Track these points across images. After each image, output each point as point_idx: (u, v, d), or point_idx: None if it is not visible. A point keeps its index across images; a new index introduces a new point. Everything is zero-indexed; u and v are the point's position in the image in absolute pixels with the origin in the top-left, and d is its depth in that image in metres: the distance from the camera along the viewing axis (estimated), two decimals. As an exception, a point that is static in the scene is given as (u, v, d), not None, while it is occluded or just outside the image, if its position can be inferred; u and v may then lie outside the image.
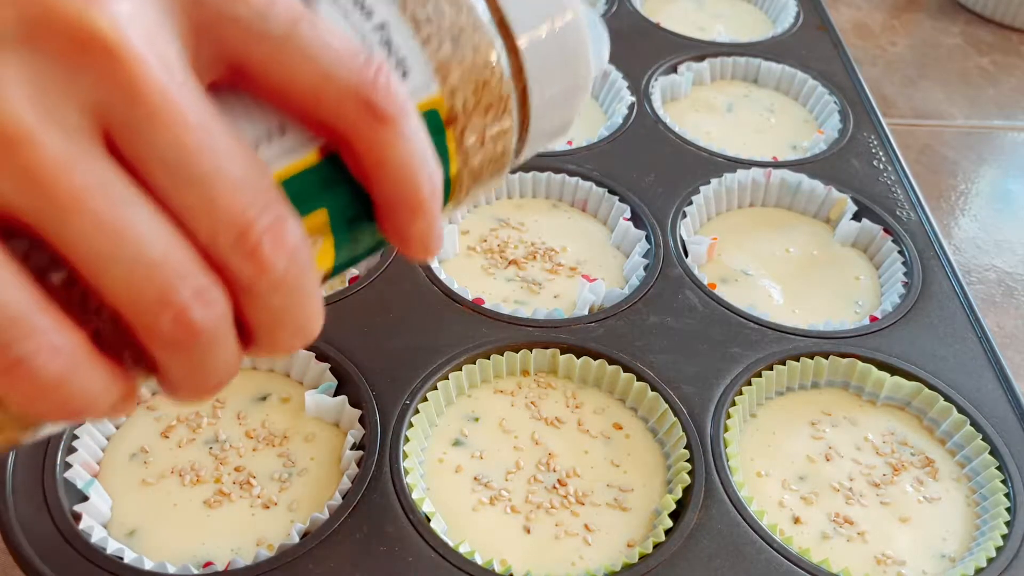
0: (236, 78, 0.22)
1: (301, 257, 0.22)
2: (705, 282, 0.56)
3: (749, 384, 0.50)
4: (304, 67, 0.22)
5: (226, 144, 0.21)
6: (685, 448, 0.47)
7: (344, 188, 0.24)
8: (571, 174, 0.62)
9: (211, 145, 0.20)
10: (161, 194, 0.20)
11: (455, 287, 0.54)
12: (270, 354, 0.24)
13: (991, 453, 0.48)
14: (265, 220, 0.21)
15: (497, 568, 0.42)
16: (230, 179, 0.21)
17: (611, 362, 0.50)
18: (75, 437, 0.44)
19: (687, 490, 0.45)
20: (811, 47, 0.78)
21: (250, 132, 0.22)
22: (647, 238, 0.59)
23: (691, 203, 0.61)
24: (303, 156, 0.23)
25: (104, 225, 0.20)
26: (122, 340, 0.22)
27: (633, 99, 0.69)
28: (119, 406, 0.22)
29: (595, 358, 0.51)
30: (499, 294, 0.55)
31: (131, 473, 0.45)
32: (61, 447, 0.44)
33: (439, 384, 0.48)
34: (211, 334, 0.21)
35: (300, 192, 0.23)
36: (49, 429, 0.24)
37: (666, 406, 0.48)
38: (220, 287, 0.21)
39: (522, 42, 0.26)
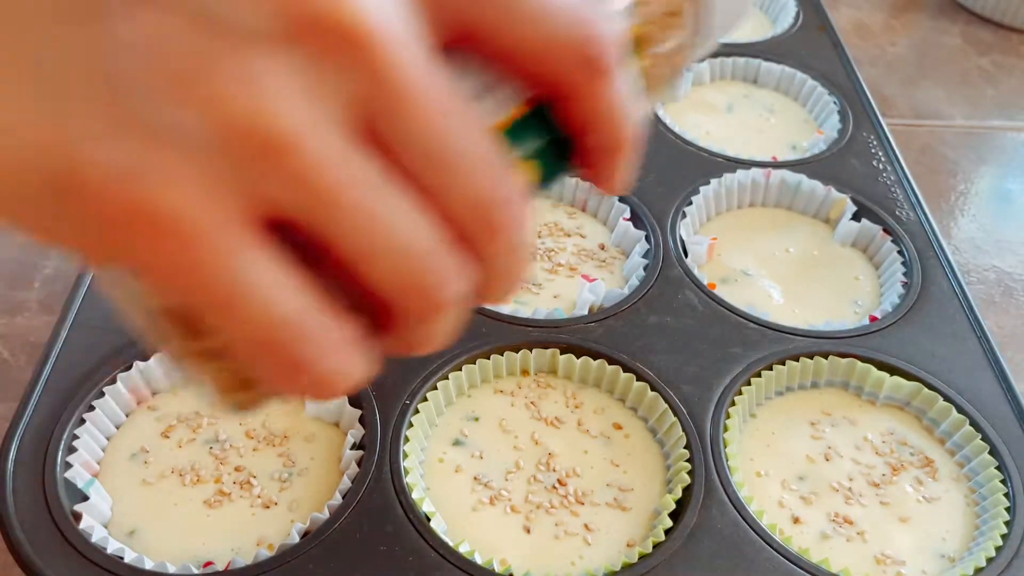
0: (459, 39, 0.23)
1: (526, 218, 0.23)
2: (705, 282, 0.56)
3: (749, 384, 0.50)
4: (532, 27, 0.23)
5: (470, 125, 0.22)
6: (685, 448, 0.47)
7: (548, 137, 0.26)
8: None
9: (459, 129, 0.21)
10: (415, 178, 0.21)
11: (455, 287, 0.54)
12: (482, 303, 0.26)
13: (991, 453, 0.48)
14: (504, 195, 0.22)
15: (497, 568, 0.42)
16: (476, 159, 0.22)
17: (611, 362, 0.51)
18: (75, 437, 0.44)
19: (687, 490, 0.45)
20: (811, 47, 0.78)
21: (468, 89, 0.24)
22: (647, 238, 0.59)
23: (691, 203, 0.62)
24: (514, 109, 0.25)
25: (375, 220, 0.21)
26: (366, 319, 0.24)
27: (633, 99, 0.69)
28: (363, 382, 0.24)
29: (595, 358, 0.51)
30: (499, 294, 0.55)
31: (131, 473, 0.45)
32: (61, 447, 0.44)
33: (439, 384, 0.48)
34: (456, 308, 0.23)
35: (510, 143, 0.24)
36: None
37: (666, 406, 0.49)
38: (467, 264, 0.23)
39: None
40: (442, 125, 0.21)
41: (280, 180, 0.20)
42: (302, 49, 0.19)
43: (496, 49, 0.23)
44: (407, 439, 0.46)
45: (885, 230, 0.61)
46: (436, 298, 0.23)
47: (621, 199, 0.61)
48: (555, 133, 0.26)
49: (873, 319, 0.56)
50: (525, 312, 0.53)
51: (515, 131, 0.25)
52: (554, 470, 0.47)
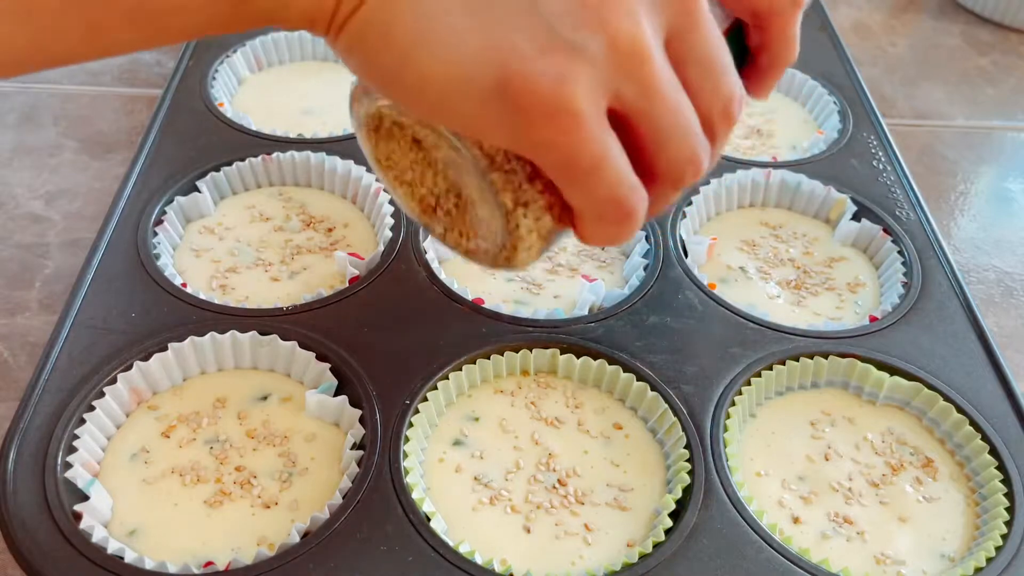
0: None
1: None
2: (705, 282, 0.56)
3: (749, 384, 0.50)
4: None
5: (721, 40, 0.32)
6: (685, 448, 0.47)
7: (736, 55, 0.34)
8: (571, 174, 0.62)
9: (718, 42, 0.31)
10: (689, 79, 0.31)
11: (455, 287, 0.54)
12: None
13: (990, 453, 0.48)
14: (739, 92, 0.32)
15: (497, 568, 0.42)
16: (726, 66, 0.32)
17: (611, 362, 0.51)
18: (75, 437, 0.45)
19: (687, 490, 0.45)
20: (811, 47, 0.78)
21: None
22: (647, 238, 0.59)
23: (691, 203, 0.62)
24: (725, 26, 0.35)
25: (678, 111, 0.30)
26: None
27: (633, 99, 0.69)
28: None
29: (595, 358, 0.51)
30: (499, 294, 0.55)
31: (132, 473, 0.45)
32: (61, 447, 0.44)
33: (439, 384, 0.48)
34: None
35: None
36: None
37: (666, 406, 0.49)
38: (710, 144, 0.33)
39: None
40: (713, 40, 0.31)
41: (634, 80, 0.29)
42: None
43: None
44: (407, 439, 0.46)
45: (885, 230, 0.61)
46: (700, 169, 0.32)
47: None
48: (743, 49, 0.37)
49: (873, 319, 0.56)
50: (525, 312, 0.53)
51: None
52: (554, 470, 0.47)
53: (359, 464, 0.45)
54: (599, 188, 0.30)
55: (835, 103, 0.72)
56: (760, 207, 0.65)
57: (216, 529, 0.43)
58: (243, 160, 0.61)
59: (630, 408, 0.50)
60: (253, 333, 0.49)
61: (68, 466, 0.43)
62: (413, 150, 0.35)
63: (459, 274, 0.56)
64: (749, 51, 0.37)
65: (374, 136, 0.35)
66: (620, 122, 0.30)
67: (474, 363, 0.50)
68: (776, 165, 0.66)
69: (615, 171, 0.30)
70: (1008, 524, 0.45)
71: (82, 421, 0.45)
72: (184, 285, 0.53)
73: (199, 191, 0.59)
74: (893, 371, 0.52)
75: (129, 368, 0.47)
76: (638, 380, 0.50)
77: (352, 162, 0.61)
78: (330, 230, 0.59)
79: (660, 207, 0.34)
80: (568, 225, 0.34)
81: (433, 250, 0.57)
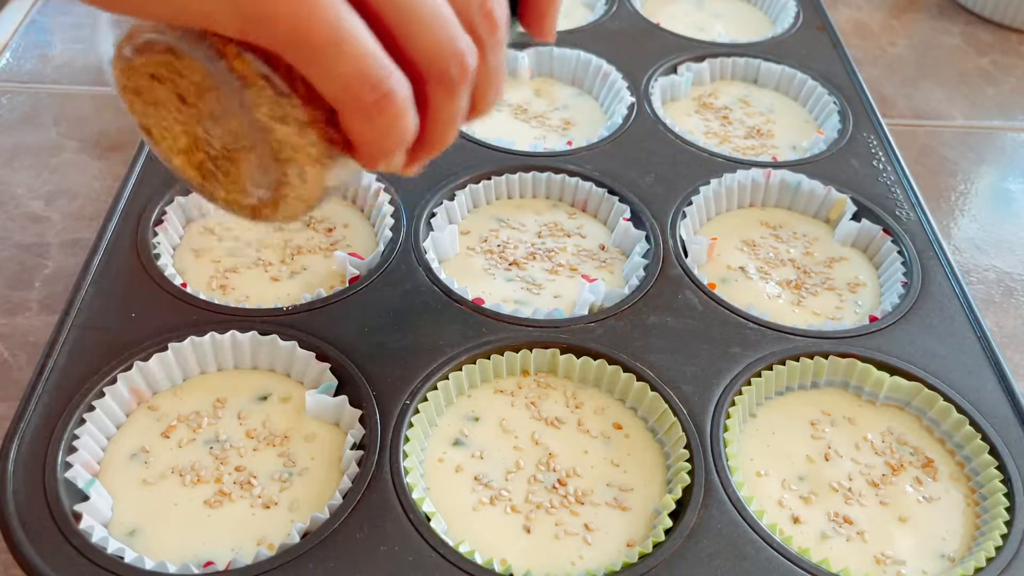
0: None
1: (506, 24, 0.34)
2: (705, 282, 0.56)
3: (749, 384, 0.50)
4: None
5: None
6: (685, 448, 0.47)
7: None
8: (571, 174, 0.62)
9: None
10: None
11: (455, 287, 0.54)
12: (476, 115, 0.36)
13: (990, 453, 0.48)
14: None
15: (497, 568, 0.42)
16: None
17: (611, 362, 0.51)
18: (75, 437, 0.45)
19: (687, 490, 0.45)
20: (811, 47, 0.78)
21: None
22: (647, 238, 0.59)
23: (691, 203, 0.62)
24: None
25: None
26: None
27: (633, 99, 0.69)
28: (402, 155, 0.34)
29: (595, 358, 0.51)
30: (499, 294, 0.55)
31: (132, 473, 0.45)
32: (61, 447, 0.44)
33: (439, 384, 0.48)
34: (472, 77, 0.33)
35: None
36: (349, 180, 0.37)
37: (666, 406, 0.49)
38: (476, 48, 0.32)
39: None
40: None
41: None
42: None
43: None
44: (407, 439, 0.46)
45: (885, 230, 0.61)
46: (463, 62, 0.31)
47: (621, 199, 0.61)
48: None
49: (873, 319, 0.56)
50: (525, 312, 0.53)
51: None
52: (554, 470, 0.47)
53: (359, 464, 0.45)
54: (341, 62, 0.29)
55: (835, 103, 0.72)
56: (760, 207, 0.65)
57: (216, 529, 0.43)
58: (243, 160, 0.60)
59: (630, 408, 0.50)
60: (253, 333, 0.49)
61: (68, 466, 0.43)
62: (179, 109, 0.35)
63: (459, 274, 0.56)
64: None
65: (138, 101, 0.35)
66: (366, 11, 0.30)
67: (474, 363, 0.50)
68: (776, 165, 0.66)
69: (357, 43, 0.29)
70: (1008, 524, 0.45)
71: (82, 421, 0.45)
72: (184, 285, 0.53)
73: (199, 191, 0.59)
74: (893, 371, 0.52)
75: (129, 368, 0.47)
76: (638, 380, 0.50)
77: (352, 162, 0.61)
78: (330, 230, 0.59)
79: (444, 119, 0.33)
80: (340, 149, 0.33)
81: (433, 250, 0.57)
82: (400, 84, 0.31)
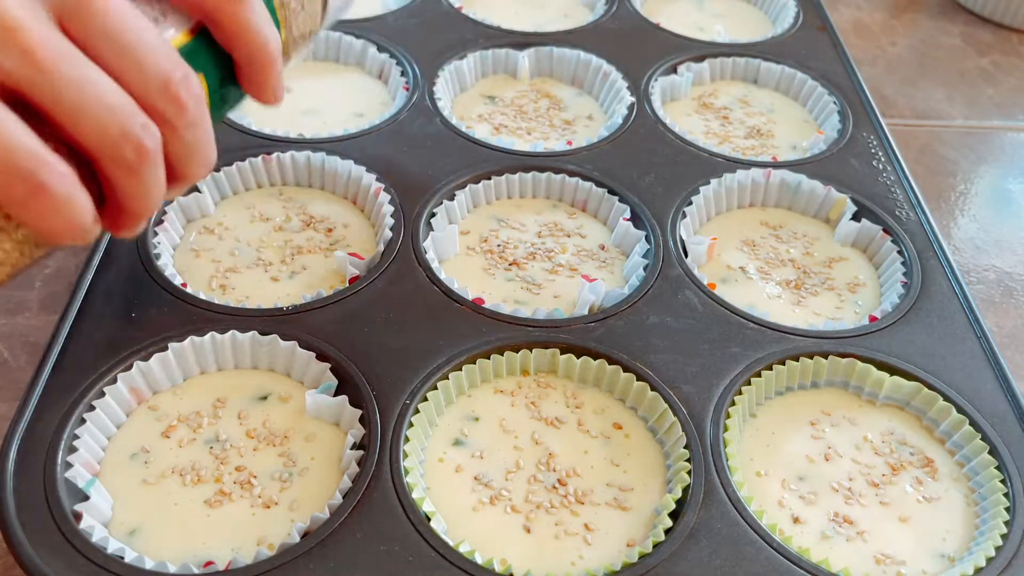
0: None
1: (203, 102, 0.33)
2: (705, 282, 0.56)
3: (749, 384, 0.50)
4: None
5: (142, 23, 0.32)
6: (685, 448, 0.47)
7: (213, 56, 0.35)
8: (571, 174, 0.62)
9: (128, 21, 0.31)
10: (104, 60, 0.31)
11: (455, 287, 0.54)
12: (185, 184, 0.35)
13: (990, 453, 0.48)
14: (178, 74, 0.32)
15: (497, 568, 0.42)
16: (150, 46, 0.32)
17: (611, 362, 0.51)
18: (75, 437, 0.44)
19: (687, 490, 0.45)
20: (811, 47, 0.78)
21: (147, 14, 0.33)
22: (647, 238, 0.59)
23: (691, 203, 0.62)
24: (182, 33, 0.35)
25: (85, 84, 0.30)
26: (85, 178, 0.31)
27: (633, 99, 0.69)
28: (92, 229, 0.32)
29: (595, 358, 0.51)
30: (499, 294, 0.55)
31: (132, 473, 0.45)
32: (61, 447, 0.44)
33: (439, 384, 0.48)
34: (155, 157, 0.32)
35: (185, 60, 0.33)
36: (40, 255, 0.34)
37: (666, 406, 0.49)
38: (156, 128, 0.32)
39: None
40: (115, 17, 0.31)
41: (10, 49, 0.29)
42: None
43: None
44: (407, 439, 0.46)
45: (885, 230, 0.61)
46: (139, 145, 0.31)
47: (621, 199, 0.61)
48: (220, 55, 0.36)
49: (873, 319, 0.56)
50: (525, 312, 0.53)
51: (185, 52, 0.34)
52: (554, 470, 0.47)
53: (359, 464, 0.45)
54: None
55: (835, 103, 0.72)
56: (760, 207, 0.65)
57: (216, 529, 0.43)
58: (243, 160, 0.60)
59: (630, 408, 0.50)
60: (253, 333, 0.49)
61: (68, 466, 0.43)
62: None
63: (459, 274, 0.56)
64: (228, 54, 0.36)
65: None
66: (21, 100, 0.30)
67: (474, 363, 0.50)
68: (776, 165, 0.66)
69: (6, 136, 0.29)
70: (1008, 524, 0.45)
71: (82, 421, 0.45)
72: (184, 285, 0.53)
73: (199, 191, 0.59)
74: (893, 371, 0.52)
75: (129, 368, 0.47)
76: (638, 380, 0.50)
77: (352, 162, 0.61)
78: (330, 230, 0.59)
79: (136, 193, 0.32)
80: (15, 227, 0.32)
81: (433, 250, 0.57)
82: (57, 175, 0.30)
